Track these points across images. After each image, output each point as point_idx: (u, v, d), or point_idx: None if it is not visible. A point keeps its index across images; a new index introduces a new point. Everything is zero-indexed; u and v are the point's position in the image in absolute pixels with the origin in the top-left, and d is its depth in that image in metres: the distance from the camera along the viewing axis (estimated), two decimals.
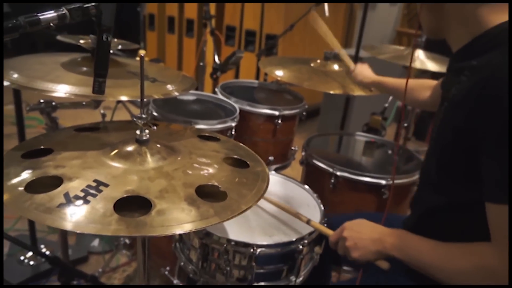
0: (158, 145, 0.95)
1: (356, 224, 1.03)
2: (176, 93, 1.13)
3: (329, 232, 1.12)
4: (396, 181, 1.57)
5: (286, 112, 1.76)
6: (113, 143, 0.97)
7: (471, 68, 0.85)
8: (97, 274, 1.88)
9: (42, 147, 0.95)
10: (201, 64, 2.52)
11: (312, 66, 1.97)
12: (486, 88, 0.77)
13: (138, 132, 0.93)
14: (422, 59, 1.96)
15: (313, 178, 1.72)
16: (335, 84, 1.80)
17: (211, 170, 0.92)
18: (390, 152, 1.92)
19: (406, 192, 1.66)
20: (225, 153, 1.02)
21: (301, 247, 1.15)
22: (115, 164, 0.89)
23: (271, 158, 1.81)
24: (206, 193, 0.85)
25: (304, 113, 1.85)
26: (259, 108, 1.74)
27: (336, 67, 1.95)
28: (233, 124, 1.56)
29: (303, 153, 1.73)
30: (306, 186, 1.45)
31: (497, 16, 0.85)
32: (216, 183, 0.87)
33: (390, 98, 2.16)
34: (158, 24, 5.04)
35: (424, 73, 2.17)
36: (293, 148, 1.94)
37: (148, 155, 0.92)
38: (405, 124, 2.24)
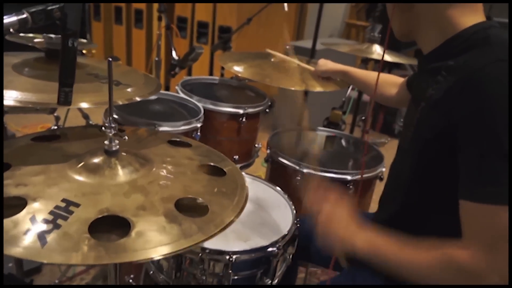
0: (129, 155, 0.89)
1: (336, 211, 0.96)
2: (142, 97, 1.06)
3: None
4: (359, 176, 1.58)
5: (250, 110, 1.72)
6: (77, 155, 0.90)
7: (448, 68, 0.86)
8: (53, 284, 1.77)
9: None
10: (157, 59, 2.42)
11: (272, 61, 1.94)
12: (466, 88, 0.78)
13: (106, 142, 0.86)
14: (379, 53, 2.00)
15: (278, 176, 1.70)
16: (297, 80, 1.78)
17: (188, 181, 0.87)
18: (344, 144, 1.94)
19: (369, 186, 1.69)
20: (200, 160, 0.98)
21: (276, 250, 1.13)
22: (83, 179, 0.82)
23: (236, 157, 1.77)
24: (186, 207, 0.80)
25: (267, 110, 1.82)
26: (222, 106, 1.69)
27: (295, 63, 1.94)
28: (199, 125, 1.50)
29: (268, 151, 1.71)
30: (278, 188, 1.43)
31: (468, 18, 0.87)
32: (195, 196, 0.82)
33: (348, 91, 2.19)
34: (104, 15, 4.79)
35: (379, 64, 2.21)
36: (256, 145, 1.91)
37: (119, 168, 0.85)
38: (363, 117, 2.28)
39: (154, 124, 1.38)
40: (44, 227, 0.68)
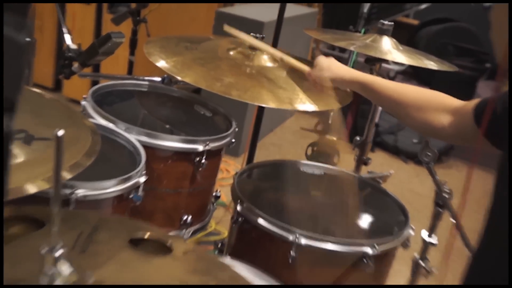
0: None
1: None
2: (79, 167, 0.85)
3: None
4: (383, 247, 1.50)
5: (214, 145, 1.55)
6: None
7: None
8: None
9: None
10: (28, 39, 2.12)
11: (231, 56, 1.78)
12: None
13: (45, 280, 0.64)
14: (389, 49, 1.90)
15: (253, 245, 1.57)
16: (279, 92, 1.65)
17: None
18: (346, 188, 1.85)
19: (390, 259, 1.62)
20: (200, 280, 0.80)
21: None
22: None
23: (186, 217, 1.59)
24: None
25: (233, 141, 1.66)
26: (167, 140, 1.50)
27: (266, 60, 1.80)
28: (142, 180, 1.29)
29: (237, 207, 1.54)
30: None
31: None
32: None
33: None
34: None
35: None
36: (214, 193, 1.75)
37: None
38: (358, 139, 2.21)
39: (67, 186, 1.15)
40: None
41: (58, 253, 0.62)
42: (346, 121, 4.26)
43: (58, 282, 0.63)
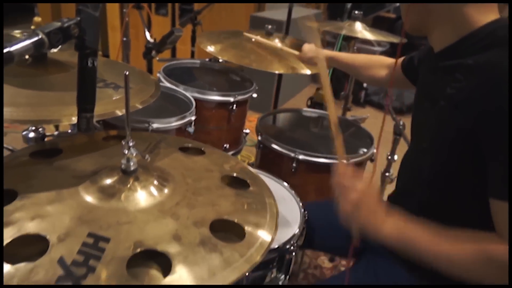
0: (148, 173, 0.80)
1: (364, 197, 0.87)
2: (144, 103, 0.97)
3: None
4: (355, 160, 1.57)
5: (240, 97, 1.64)
6: (88, 174, 0.80)
7: (467, 67, 0.83)
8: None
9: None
10: (125, 39, 2.24)
11: (254, 42, 1.85)
12: (492, 90, 0.75)
13: (124, 161, 0.77)
14: (360, 30, 1.95)
15: (270, 162, 1.65)
16: (285, 62, 1.72)
17: (215, 198, 0.81)
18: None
19: (361, 170, 1.69)
20: (219, 171, 0.91)
21: (291, 248, 1.11)
22: (104, 205, 0.73)
23: (226, 145, 1.70)
24: (218, 228, 0.74)
25: (254, 95, 1.75)
26: (211, 95, 1.60)
27: (278, 42, 1.86)
28: (193, 118, 1.41)
29: (259, 138, 1.65)
30: (285, 184, 1.37)
31: (484, 16, 0.84)
32: (229, 217, 0.76)
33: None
34: None
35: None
36: (244, 131, 1.84)
37: (141, 190, 0.77)
38: (342, 93, 2.25)
39: (146, 121, 1.28)
40: (76, 271, 0.60)
41: (130, 144, 0.75)
42: (344, 86, 4.30)
43: (132, 160, 0.77)
